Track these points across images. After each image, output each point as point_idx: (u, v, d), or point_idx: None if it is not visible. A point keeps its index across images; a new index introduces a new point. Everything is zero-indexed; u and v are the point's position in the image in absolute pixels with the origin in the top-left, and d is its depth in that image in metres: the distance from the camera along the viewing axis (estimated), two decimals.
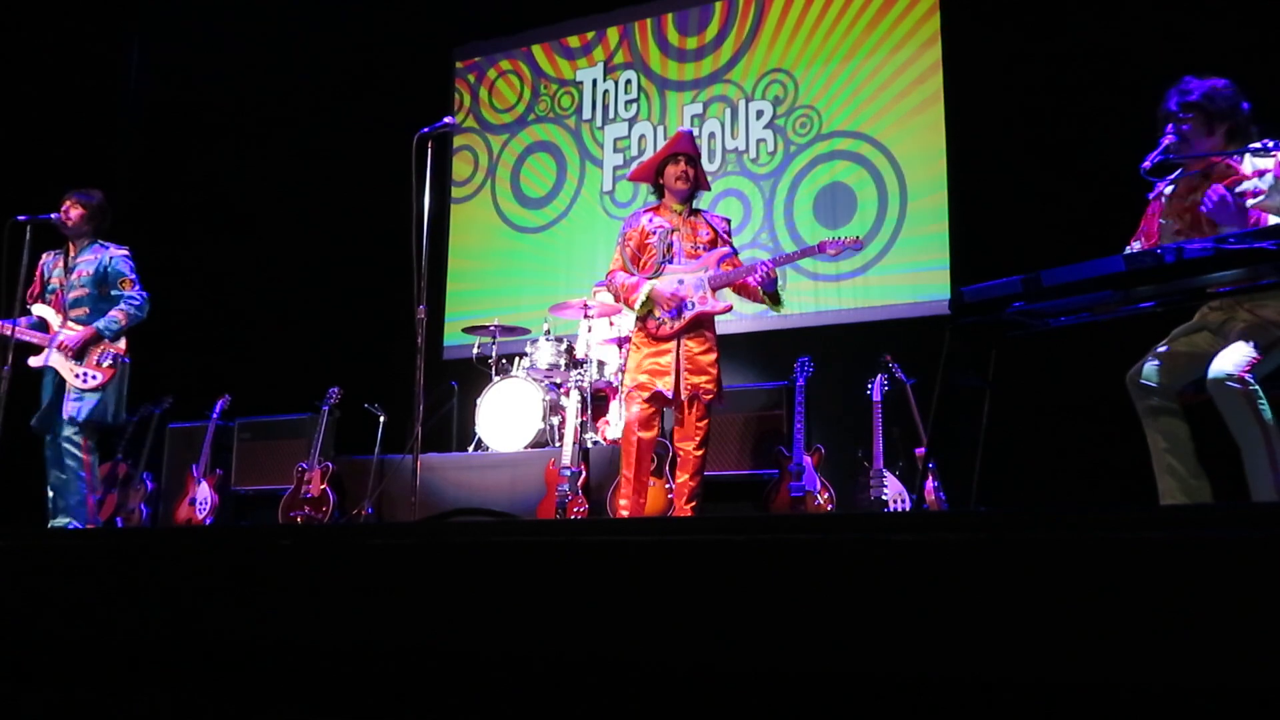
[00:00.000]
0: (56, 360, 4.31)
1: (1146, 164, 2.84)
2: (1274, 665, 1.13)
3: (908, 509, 4.67)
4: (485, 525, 3.74)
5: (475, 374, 5.94)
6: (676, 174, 4.03)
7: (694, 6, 6.65)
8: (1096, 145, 4.88)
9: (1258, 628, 1.14)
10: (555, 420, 5.34)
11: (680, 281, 3.93)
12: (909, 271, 5.70)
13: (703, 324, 3.95)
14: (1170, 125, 2.87)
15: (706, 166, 4.52)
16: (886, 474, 4.78)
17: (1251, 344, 2.65)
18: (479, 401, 5.54)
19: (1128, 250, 3.01)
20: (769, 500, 4.83)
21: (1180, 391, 2.85)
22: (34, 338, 4.37)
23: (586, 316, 5.48)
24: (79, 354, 4.29)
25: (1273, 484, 2.57)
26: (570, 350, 5.50)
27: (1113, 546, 1.23)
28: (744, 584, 1.43)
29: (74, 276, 4.44)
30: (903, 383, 4.92)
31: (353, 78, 7.19)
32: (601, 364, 5.36)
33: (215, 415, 6.18)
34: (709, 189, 4.32)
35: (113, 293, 4.43)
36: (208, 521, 5.92)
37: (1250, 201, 2.65)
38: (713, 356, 3.95)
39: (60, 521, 4.25)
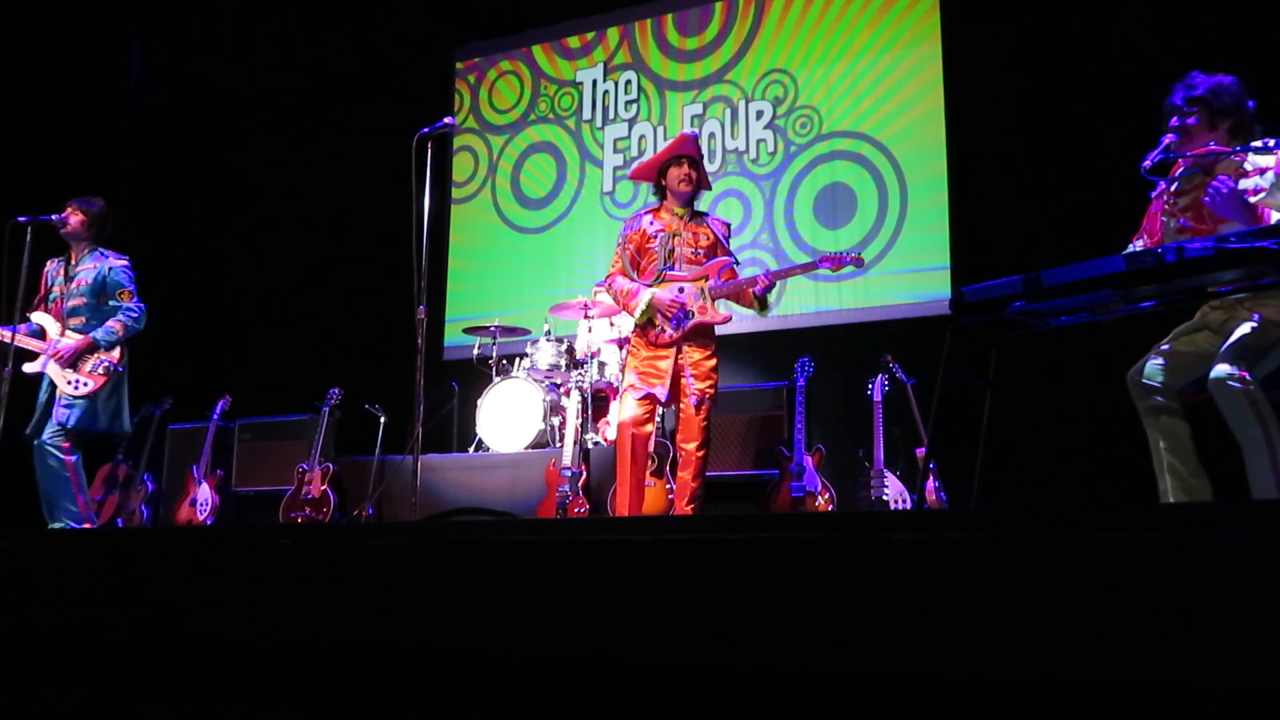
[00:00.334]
0: (51, 368, 4.31)
1: (1147, 163, 2.84)
2: (1274, 664, 1.13)
3: (908, 509, 4.67)
4: (485, 525, 3.74)
5: (475, 374, 5.94)
6: (680, 177, 4.02)
7: (694, 6, 6.65)
8: (1097, 145, 4.88)
9: (1258, 627, 1.14)
10: (556, 421, 5.34)
11: (680, 290, 3.93)
12: (909, 271, 5.70)
13: (703, 331, 3.96)
14: (1174, 118, 2.87)
15: (706, 166, 4.52)
16: (887, 474, 4.78)
17: (1257, 341, 2.64)
18: (479, 402, 5.54)
19: (1130, 248, 3.02)
20: (770, 500, 4.83)
21: (1181, 391, 2.85)
22: (31, 345, 4.37)
23: (586, 317, 5.48)
24: (73, 362, 4.29)
25: (1273, 483, 2.57)
26: (571, 351, 5.50)
27: (1113, 546, 1.23)
28: (744, 583, 1.43)
29: (73, 285, 4.44)
30: (903, 383, 4.92)
31: (353, 78, 7.20)
32: (602, 364, 5.36)
33: (216, 416, 6.18)
34: (710, 189, 4.31)
35: (111, 303, 4.42)
36: (208, 522, 5.92)
37: (1252, 199, 2.65)
38: (714, 362, 3.97)
39: (56, 526, 4.25)
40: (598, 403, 5.46)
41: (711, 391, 3.93)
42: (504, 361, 5.81)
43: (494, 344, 5.85)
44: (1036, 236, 4.90)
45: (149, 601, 2.00)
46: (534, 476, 5.08)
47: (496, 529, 2.35)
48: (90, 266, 4.46)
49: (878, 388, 4.93)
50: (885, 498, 4.75)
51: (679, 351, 3.91)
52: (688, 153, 4.05)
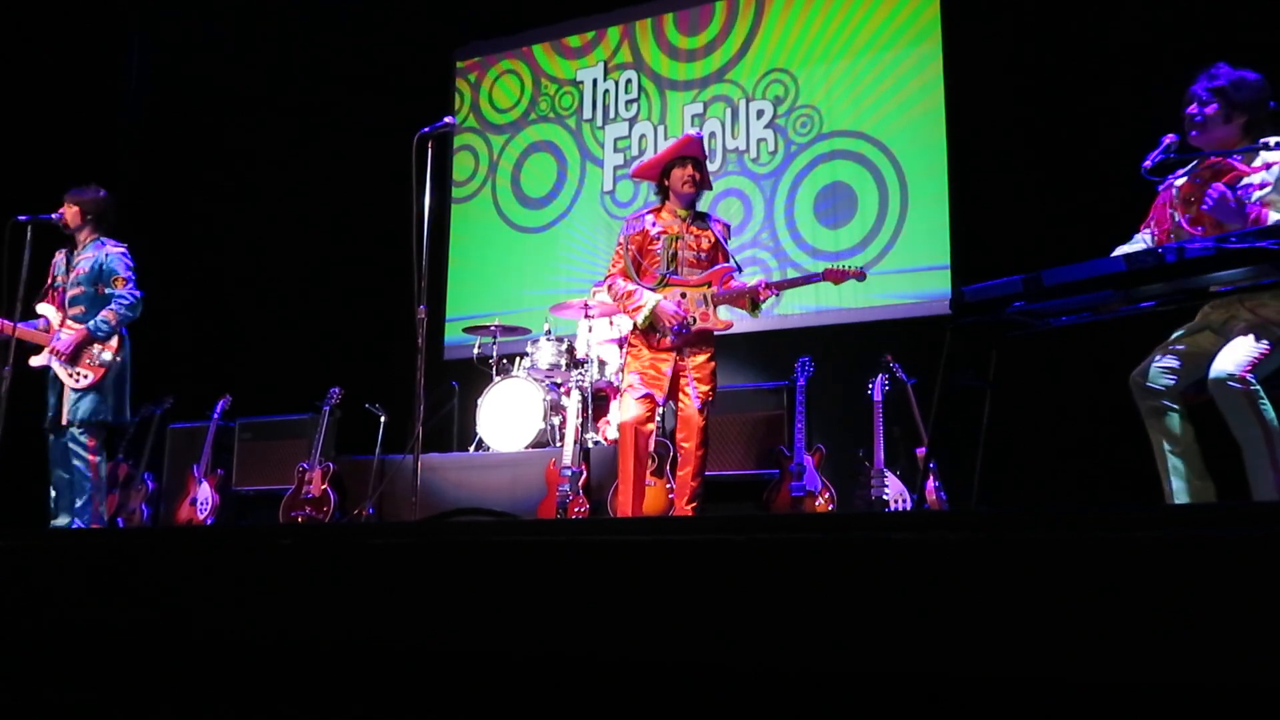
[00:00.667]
0: (53, 362, 4.32)
1: (1147, 163, 2.84)
2: (1275, 664, 1.13)
3: (909, 509, 4.67)
4: (486, 525, 3.74)
5: (476, 374, 5.94)
6: (684, 178, 4.01)
7: (694, 6, 6.65)
8: (1097, 144, 4.88)
9: (1258, 627, 1.14)
10: (556, 420, 5.34)
11: (683, 295, 3.94)
12: (909, 271, 5.70)
13: (703, 336, 3.97)
14: (1193, 105, 2.87)
15: (707, 166, 4.52)
16: (887, 474, 4.78)
17: (1257, 341, 2.64)
18: (480, 401, 5.54)
19: (1135, 238, 3.02)
20: (770, 500, 4.84)
21: (1183, 391, 2.85)
22: (35, 337, 4.38)
23: (587, 316, 5.47)
24: (73, 356, 4.29)
25: (1274, 484, 2.57)
26: (571, 350, 5.50)
27: (1113, 546, 1.23)
28: (744, 583, 1.43)
29: (73, 275, 4.45)
30: (903, 382, 4.92)
31: (353, 78, 7.19)
32: (602, 364, 5.36)
33: (216, 415, 6.18)
34: (710, 189, 4.31)
35: (107, 290, 4.41)
36: (209, 521, 5.92)
37: (1255, 194, 2.65)
38: (713, 365, 4.00)
39: (61, 521, 4.25)
40: (598, 402, 5.46)
41: (712, 394, 3.95)
42: (504, 361, 5.81)
43: (494, 343, 5.85)
44: (1036, 236, 4.90)
45: (149, 601, 2.00)
46: (534, 476, 5.08)
47: (497, 529, 2.35)
48: (89, 255, 4.47)
49: (878, 388, 4.93)
50: (885, 497, 4.75)
51: (679, 355, 3.92)
52: (692, 154, 4.04)
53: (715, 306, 3.95)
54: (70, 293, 4.44)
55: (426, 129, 3.97)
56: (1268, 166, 2.69)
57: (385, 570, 1.76)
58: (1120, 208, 3.24)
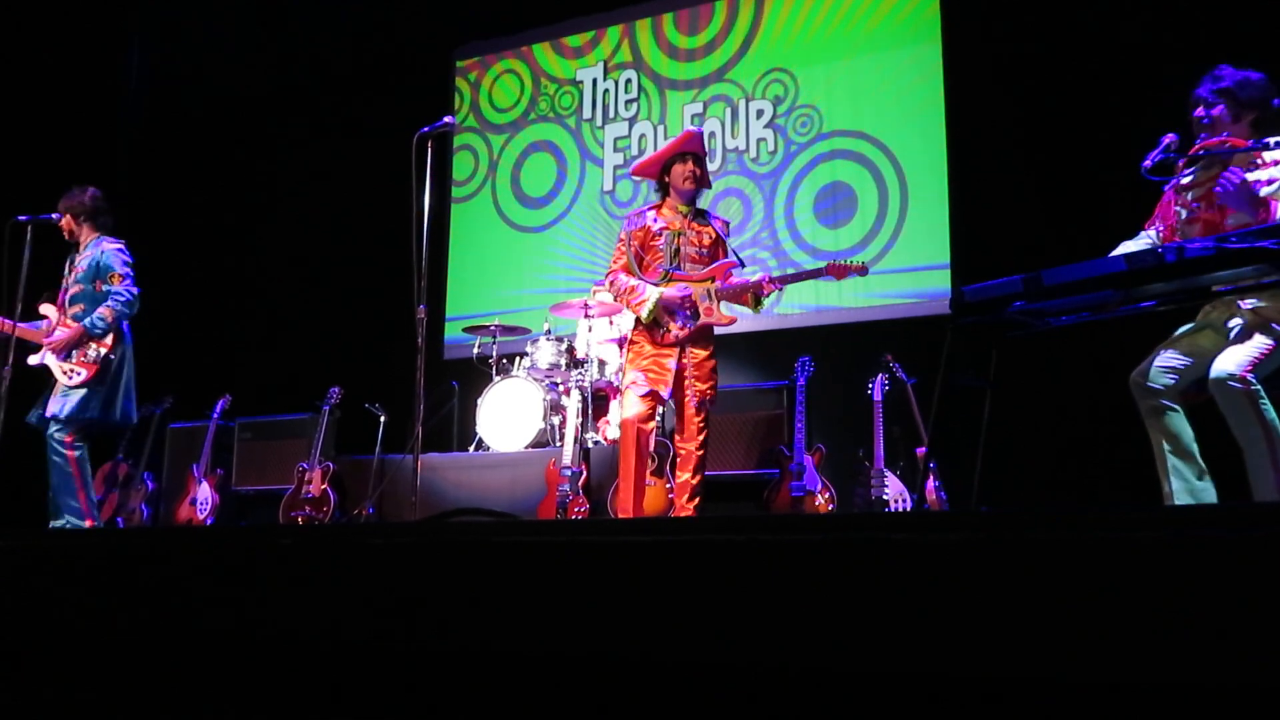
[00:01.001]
0: (50, 360, 4.32)
1: (1147, 163, 2.84)
2: (1274, 665, 1.13)
3: (909, 509, 4.67)
4: (486, 525, 3.74)
5: (476, 374, 5.94)
6: (684, 174, 4.00)
7: (694, 6, 6.65)
8: (1097, 144, 4.88)
9: (1258, 627, 1.14)
10: (556, 420, 5.34)
11: (686, 292, 3.94)
12: (909, 270, 5.70)
13: (704, 332, 3.96)
14: (1200, 108, 2.88)
15: (707, 165, 4.52)
16: (887, 474, 4.78)
17: (1257, 341, 2.65)
18: (479, 401, 5.54)
19: (1141, 235, 3.03)
20: (770, 500, 4.83)
21: (1183, 391, 2.85)
22: (34, 336, 4.38)
23: (587, 316, 5.47)
24: (68, 353, 4.29)
25: (1274, 484, 2.57)
26: (571, 350, 5.50)
27: (1113, 546, 1.23)
28: (744, 584, 1.43)
29: (74, 274, 4.46)
30: (903, 382, 4.92)
31: (353, 78, 7.19)
32: (602, 363, 5.36)
33: (216, 415, 6.18)
34: (710, 187, 4.31)
35: (104, 287, 4.41)
36: (208, 521, 5.92)
37: (1264, 190, 2.65)
38: (714, 362, 3.99)
39: (59, 523, 4.25)
40: (598, 402, 5.46)
41: (712, 393, 3.94)
42: (504, 361, 5.81)
43: (494, 343, 5.85)
44: (1036, 236, 4.90)
45: (149, 602, 2.00)
46: (534, 476, 5.08)
47: (497, 529, 2.35)
48: (89, 254, 4.47)
49: (878, 387, 4.93)
50: (885, 497, 4.75)
51: (682, 351, 3.91)
52: (693, 150, 4.03)
53: (718, 302, 3.94)
54: (71, 291, 4.45)
55: (426, 129, 3.97)
56: (1277, 163, 2.69)
57: (385, 570, 1.76)
58: (1120, 207, 3.24)
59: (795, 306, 5.94)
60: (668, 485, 4.63)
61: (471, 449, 5.59)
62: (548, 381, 5.46)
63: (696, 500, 3.89)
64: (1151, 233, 3.03)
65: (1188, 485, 2.80)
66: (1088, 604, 1.22)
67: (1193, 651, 1.17)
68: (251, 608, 1.88)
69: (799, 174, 6.15)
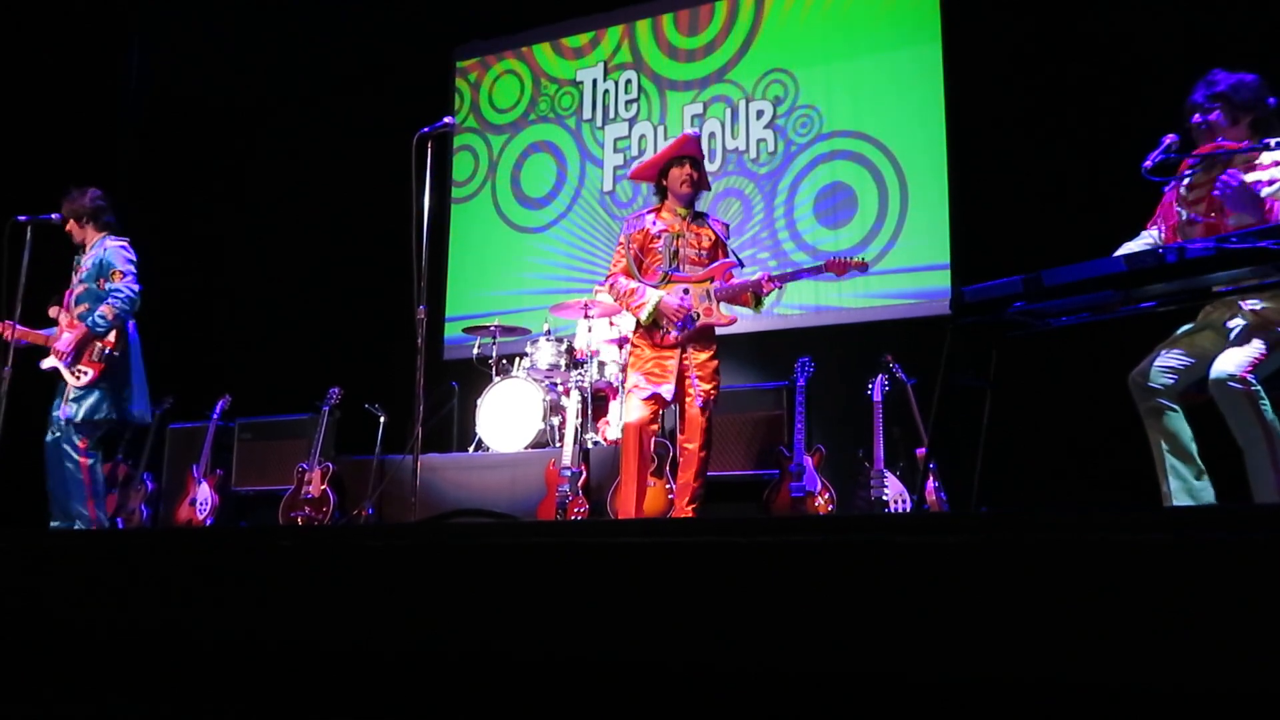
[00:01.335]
0: (58, 364, 4.32)
1: (1148, 163, 2.84)
2: (1274, 666, 1.12)
3: (908, 509, 4.67)
4: (485, 526, 3.74)
5: (475, 374, 5.94)
6: (681, 177, 4.01)
7: (694, 6, 6.65)
8: (1097, 144, 4.88)
9: (1258, 629, 1.14)
10: (555, 420, 5.34)
11: (685, 291, 3.94)
12: (909, 271, 5.70)
13: (705, 332, 3.96)
14: (1196, 115, 2.88)
15: (706, 166, 4.51)
16: (887, 474, 4.78)
17: (1258, 341, 2.65)
18: (479, 402, 5.54)
19: (1142, 235, 3.03)
20: (770, 501, 4.83)
21: (1183, 392, 2.85)
22: (34, 338, 4.38)
23: (586, 316, 5.47)
24: (75, 356, 4.29)
25: (1274, 484, 2.57)
26: (571, 350, 5.50)
27: (1113, 548, 1.23)
28: (744, 585, 1.43)
29: (79, 274, 4.47)
30: (903, 383, 4.91)
31: (353, 78, 7.19)
32: (602, 364, 5.36)
33: (216, 415, 6.18)
34: (709, 189, 4.31)
35: (106, 286, 4.41)
36: (208, 522, 5.91)
37: (1265, 190, 2.65)
38: (716, 363, 3.98)
39: (57, 525, 4.24)
40: (598, 402, 5.46)
41: (715, 393, 3.94)
42: (504, 361, 5.81)
43: (494, 344, 5.85)
44: (1037, 236, 4.90)
45: (148, 602, 2.00)
46: (534, 476, 5.08)
47: (497, 531, 2.35)
48: (93, 254, 4.47)
49: (878, 388, 4.92)
50: (885, 498, 4.74)
51: (683, 352, 3.91)
52: (690, 153, 4.04)
53: (718, 302, 3.94)
54: (76, 291, 4.45)
55: (426, 129, 3.97)
56: (1277, 164, 2.69)
57: (385, 572, 1.76)
58: (1121, 208, 3.24)
59: (795, 307, 5.94)
60: (668, 486, 4.63)
61: (471, 449, 5.59)
62: (547, 382, 5.46)
63: (695, 504, 3.88)
64: (1154, 232, 3.03)
65: (1186, 485, 2.80)
66: (1087, 605, 1.22)
67: (1192, 653, 1.17)
68: (251, 609, 1.88)
69: (799, 174, 6.15)
